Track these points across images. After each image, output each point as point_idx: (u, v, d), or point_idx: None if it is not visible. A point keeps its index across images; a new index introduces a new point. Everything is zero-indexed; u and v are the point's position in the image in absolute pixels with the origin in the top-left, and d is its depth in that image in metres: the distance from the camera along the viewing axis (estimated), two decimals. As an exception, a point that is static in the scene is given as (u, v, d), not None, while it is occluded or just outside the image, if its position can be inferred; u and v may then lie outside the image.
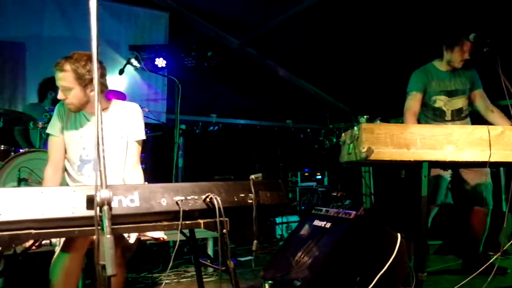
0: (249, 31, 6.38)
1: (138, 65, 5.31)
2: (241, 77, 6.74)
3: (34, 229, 1.61)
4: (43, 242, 2.28)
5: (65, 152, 2.52)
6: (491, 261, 3.02)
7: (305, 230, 3.00)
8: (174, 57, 5.82)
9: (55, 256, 2.20)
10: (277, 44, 6.53)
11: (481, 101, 3.57)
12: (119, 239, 2.27)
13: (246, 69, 6.85)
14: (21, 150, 3.84)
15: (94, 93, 2.42)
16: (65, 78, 2.40)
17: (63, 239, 2.20)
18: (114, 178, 2.51)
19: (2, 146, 3.97)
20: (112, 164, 2.50)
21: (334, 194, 6.65)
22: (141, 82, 5.96)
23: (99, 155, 1.22)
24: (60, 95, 2.44)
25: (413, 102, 3.52)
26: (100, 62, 2.33)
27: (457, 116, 3.55)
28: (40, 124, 4.05)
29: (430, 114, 3.58)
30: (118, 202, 1.73)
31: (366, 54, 6.07)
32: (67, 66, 2.39)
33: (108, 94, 2.68)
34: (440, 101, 3.52)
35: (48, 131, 2.56)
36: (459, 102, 3.54)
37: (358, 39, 5.81)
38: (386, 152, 2.45)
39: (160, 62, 5.75)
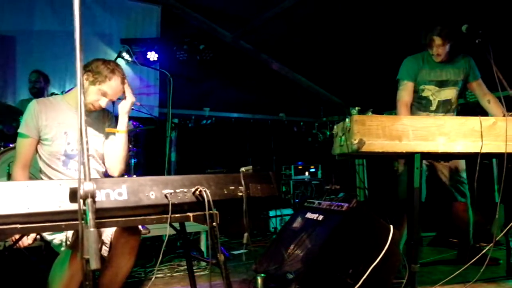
0: (242, 24, 6.34)
1: (129, 58, 5.27)
2: (234, 70, 6.71)
3: (20, 223, 1.59)
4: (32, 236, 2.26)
5: (36, 151, 2.43)
6: (483, 252, 3.02)
7: (297, 223, 2.99)
8: (166, 51, 5.76)
9: (61, 255, 2.12)
10: (270, 37, 6.49)
11: (478, 91, 3.53)
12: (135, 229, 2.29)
13: (239, 62, 6.82)
14: (10, 145, 3.80)
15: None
16: None
17: (69, 238, 2.18)
18: (95, 175, 2.55)
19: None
20: (95, 162, 2.56)
21: (328, 187, 6.64)
22: (133, 76, 5.90)
23: (82, 147, 1.19)
24: None
25: (405, 93, 3.49)
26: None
27: (443, 107, 3.51)
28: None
29: (415, 103, 3.55)
30: (106, 196, 1.71)
31: (359, 47, 6.05)
32: None
33: None
34: (428, 91, 3.49)
35: (21, 131, 2.39)
36: (449, 94, 3.50)
37: (351, 32, 5.79)
38: (378, 143, 2.44)
39: (152, 55, 5.69)
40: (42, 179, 2.44)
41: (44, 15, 5.37)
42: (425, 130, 2.50)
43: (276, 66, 7.19)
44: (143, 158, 5.57)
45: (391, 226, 2.64)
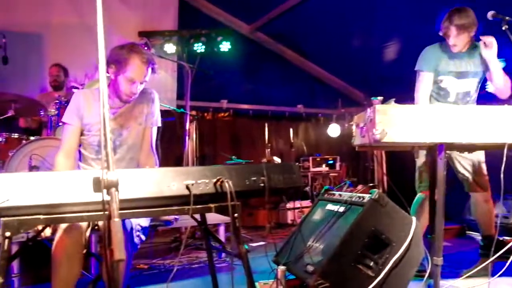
0: (259, 15, 6.30)
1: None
2: (252, 62, 6.68)
3: (43, 214, 1.60)
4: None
5: (79, 140, 2.52)
6: (508, 246, 2.95)
7: (318, 215, 2.96)
8: (184, 43, 5.77)
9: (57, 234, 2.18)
10: (288, 28, 6.44)
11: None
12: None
13: (256, 53, 6.78)
14: (32, 138, 3.85)
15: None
16: None
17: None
18: (130, 164, 2.57)
19: (14, 134, 4.00)
20: (131, 150, 2.58)
21: (346, 179, 6.60)
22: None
23: (105, 138, 1.19)
24: None
25: (424, 84, 3.39)
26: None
27: (462, 99, 3.40)
28: (51, 112, 4.06)
29: (434, 93, 3.46)
30: (127, 186, 1.71)
31: (378, 37, 5.96)
32: None
33: None
34: (447, 82, 3.39)
35: (65, 119, 2.49)
36: (468, 85, 3.39)
37: (371, 21, 5.70)
38: (400, 134, 2.38)
39: (170, 48, 5.71)
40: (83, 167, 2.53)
41: (62, 9, 5.41)
42: (449, 120, 2.44)
43: (294, 57, 7.13)
44: (161, 150, 5.59)
45: (414, 218, 2.60)
